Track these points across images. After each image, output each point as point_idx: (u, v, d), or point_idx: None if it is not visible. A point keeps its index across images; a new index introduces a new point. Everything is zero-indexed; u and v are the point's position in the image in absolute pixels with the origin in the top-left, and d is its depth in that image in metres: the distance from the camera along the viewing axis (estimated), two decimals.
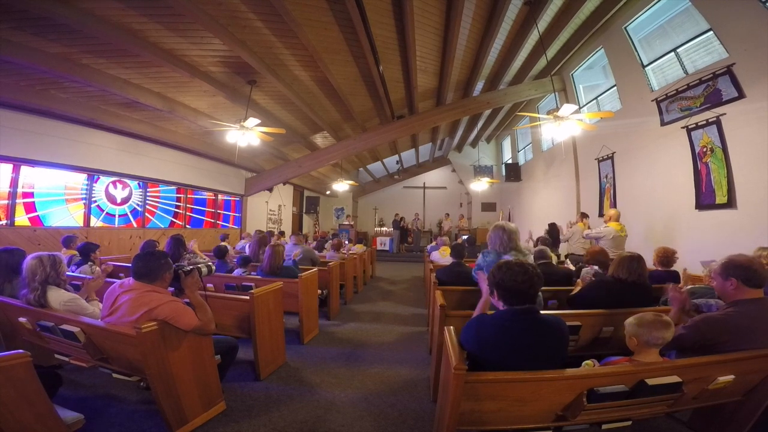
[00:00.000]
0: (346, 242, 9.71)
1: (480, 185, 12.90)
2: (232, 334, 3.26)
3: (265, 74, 5.93)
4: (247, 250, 5.90)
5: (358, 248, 9.28)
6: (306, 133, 9.77)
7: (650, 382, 1.72)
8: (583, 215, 6.42)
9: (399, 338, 4.56)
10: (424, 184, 17.84)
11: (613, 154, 6.86)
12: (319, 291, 4.92)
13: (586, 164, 7.86)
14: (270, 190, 11.99)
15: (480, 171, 13.40)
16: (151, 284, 2.29)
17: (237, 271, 4.75)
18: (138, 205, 8.30)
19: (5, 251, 2.93)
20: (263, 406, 2.77)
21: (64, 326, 2.30)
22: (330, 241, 7.55)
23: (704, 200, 4.84)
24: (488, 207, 15.69)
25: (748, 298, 1.99)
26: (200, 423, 2.46)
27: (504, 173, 12.92)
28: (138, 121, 7.16)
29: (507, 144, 14.22)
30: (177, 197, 9.41)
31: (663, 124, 5.47)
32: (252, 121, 6.02)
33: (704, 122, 4.76)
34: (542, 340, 1.79)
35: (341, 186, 13.00)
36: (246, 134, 6.20)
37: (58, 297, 2.49)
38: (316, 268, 4.92)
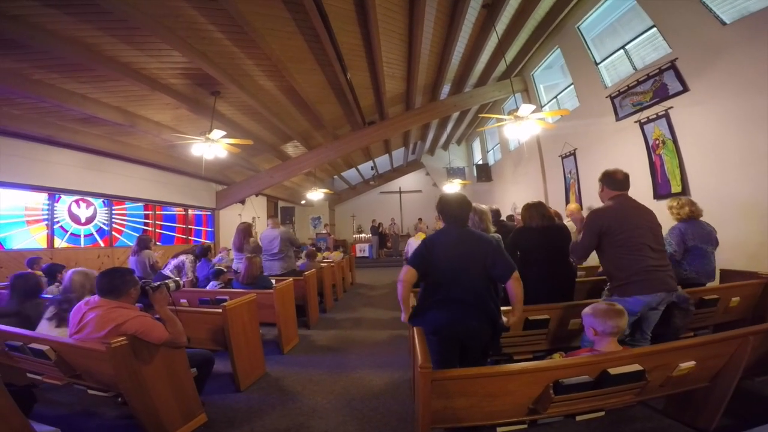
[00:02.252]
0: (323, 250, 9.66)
1: (453, 187, 13.07)
2: (208, 347, 3.22)
3: (229, 85, 5.85)
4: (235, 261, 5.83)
5: (335, 255, 9.24)
6: (275, 143, 9.66)
7: (612, 371, 1.78)
8: None
9: (380, 342, 4.58)
10: (399, 188, 17.97)
11: (574, 150, 7.13)
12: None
13: (551, 161, 8.13)
14: (242, 202, 11.77)
15: (452, 173, 13.58)
16: (116, 300, 2.26)
17: (212, 284, 4.67)
18: (104, 224, 7.98)
19: (20, 277, 3.04)
20: (245, 417, 2.75)
21: (33, 345, 2.29)
22: (304, 251, 7.50)
23: (661, 190, 5.10)
24: None
25: (614, 195, 2.61)
26: None
27: (475, 174, 13.18)
28: (98, 136, 6.89)
29: (477, 145, 14.53)
30: (145, 214, 9.11)
31: (618, 119, 5.75)
32: (217, 133, 5.91)
33: (654, 116, 5.04)
34: (475, 245, 2.25)
35: (316, 195, 12.91)
36: (212, 146, 6.07)
37: None
38: (291, 279, 4.86)
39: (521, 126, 5.30)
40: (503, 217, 5.57)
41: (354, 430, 2.55)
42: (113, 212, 8.23)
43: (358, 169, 15.34)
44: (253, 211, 13.04)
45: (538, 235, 3.18)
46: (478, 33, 6.48)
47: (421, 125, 10.30)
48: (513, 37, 6.65)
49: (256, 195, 12.30)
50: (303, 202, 15.88)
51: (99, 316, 2.18)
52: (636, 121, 5.34)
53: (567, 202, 7.44)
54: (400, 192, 17.90)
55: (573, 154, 7.16)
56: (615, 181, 2.62)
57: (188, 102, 6.34)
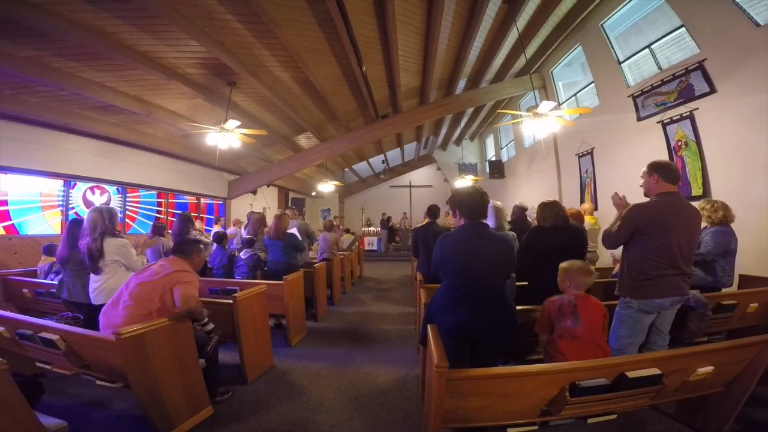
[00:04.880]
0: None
1: (465, 183, 12.97)
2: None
3: (245, 75, 5.84)
4: (243, 233, 5.79)
5: (346, 237, 9.29)
6: (289, 134, 9.67)
7: (631, 374, 1.76)
8: None
9: (388, 337, 4.57)
10: (410, 182, 17.89)
11: (592, 149, 6.98)
12: None
13: (567, 160, 7.97)
14: (254, 192, 11.84)
15: (464, 169, 13.47)
16: (183, 260, 2.71)
17: (244, 252, 4.91)
18: (118, 210, 8.08)
19: (74, 222, 3.32)
20: (251, 410, 2.76)
21: (43, 334, 2.31)
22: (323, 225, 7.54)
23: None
24: None
25: (666, 191, 2.42)
26: (188, 428, 2.44)
27: (488, 170, 13.02)
28: (114, 124, 6.96)
29: (490, 141, 14.33)
30: (158, 202, 9.22)
31: (639, 119, 5.59)
32: (232, 123, 5.91)
33: (678, 117, 4.88)
34: (491, 245, 2.17)
35: (327, 187, 12.93)
36: (226, 136, 6.09)
37: (113, 242, 3.08)
38: (301, 271, 4.87)
39: (540, 123, 5.21)
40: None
41: (360, 427, 2.55)
42: (127, 199, 8.35)
43: (369, 163, 15.30)
44: (264, 202, 13.11)
45: (551, 236, 3.13)
46: (498, 28, 6.34)
47: (434, 120, 10.19)
48: (534, 33, 6.49)
49: (268, 185, 12.37)
50: (313, 193, 15.93)
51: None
52: (658, 122, 5.18)
53: (582, 201, 7.31)
54: (410, 186, 17.82)
55: (590, 153, 7.01)
56: (671, 173, 2.44)
57: (204, 92, 6.36)
